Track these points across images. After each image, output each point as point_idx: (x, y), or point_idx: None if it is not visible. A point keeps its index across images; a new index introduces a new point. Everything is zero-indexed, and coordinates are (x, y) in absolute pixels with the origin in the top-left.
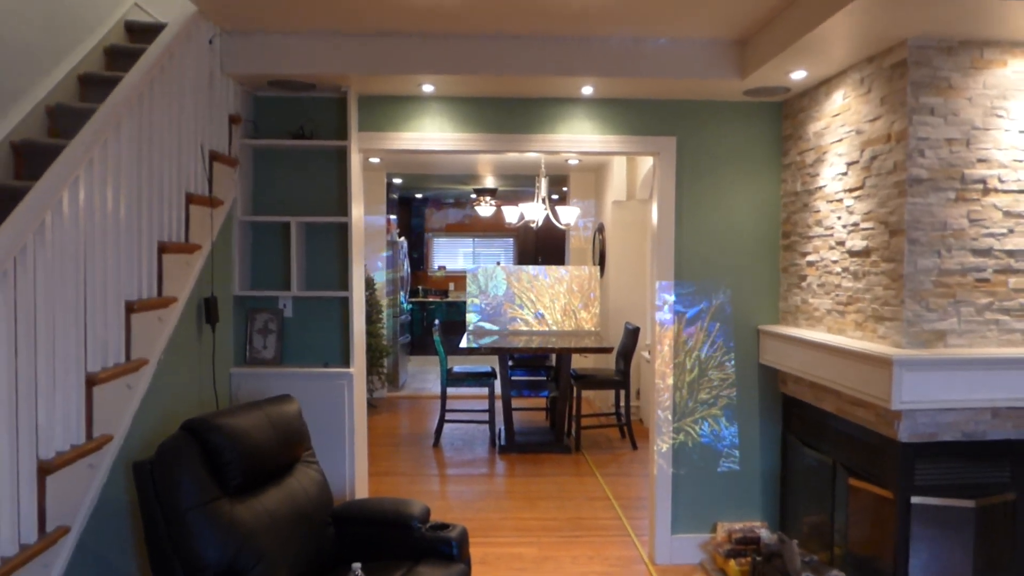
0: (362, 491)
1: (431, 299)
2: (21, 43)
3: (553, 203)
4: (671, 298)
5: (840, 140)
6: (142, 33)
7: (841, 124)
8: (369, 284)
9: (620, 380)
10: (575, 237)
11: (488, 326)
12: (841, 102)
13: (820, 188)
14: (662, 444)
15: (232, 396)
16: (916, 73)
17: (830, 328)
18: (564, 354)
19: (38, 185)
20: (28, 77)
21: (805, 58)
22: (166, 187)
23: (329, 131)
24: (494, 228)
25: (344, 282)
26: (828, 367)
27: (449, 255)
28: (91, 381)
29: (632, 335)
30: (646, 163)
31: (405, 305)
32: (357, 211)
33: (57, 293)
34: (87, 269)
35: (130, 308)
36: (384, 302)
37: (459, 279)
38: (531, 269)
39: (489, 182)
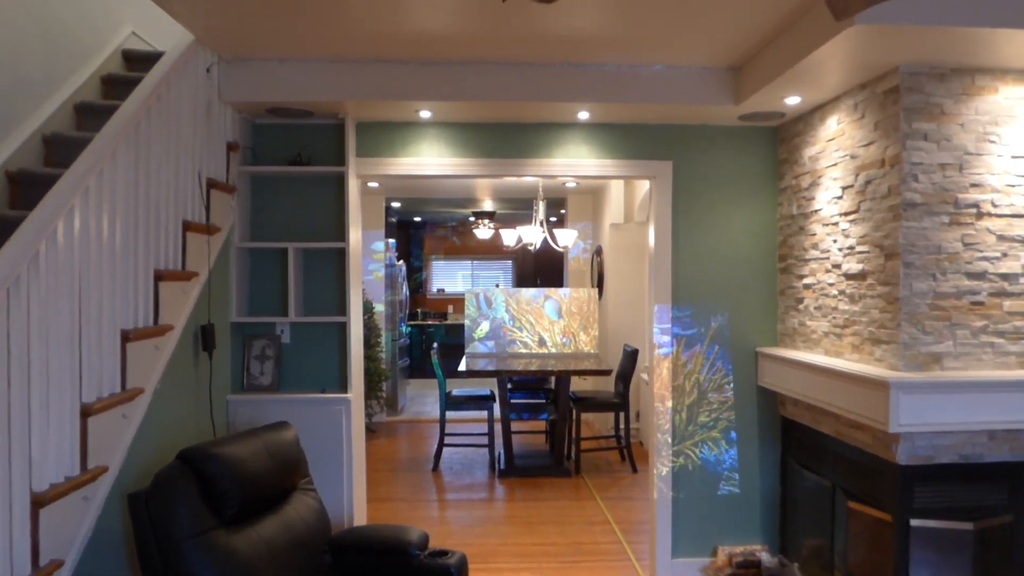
0: (360, 518)
1: (430, 322)
2: (18, 71)
3: (551, 225)
4: (669, 321)
5: (835, 164)
6: (139, 62)
7: (836, 148)
8: (367, 308)
9: (619, 402)
10: (573, 259)
11: (487, 348)
12: (835, 127)
13: (816, 211)
14: (662, 467)
15: (229, 424)
16: (909, 99)
17: (827, 351)
18: (563, 377)
19: (32, 215)
20: (25, 105)
21: (799, 85)
22: (163, 215)
23: (327, 157)
24: (492, 251)
25: (342, 307)
26: (826, 390)
27: (448, 278)
28: (86, 412)
29: (631, 357)
30: (643, 186)
31: (404, 328)
32: (355, 236)
33: (52, 323)
34: (82, 298)
35: (126, 337)
36: (383, 326)
37: (458, 301)
38: (531, 292)
39: (487, 205)
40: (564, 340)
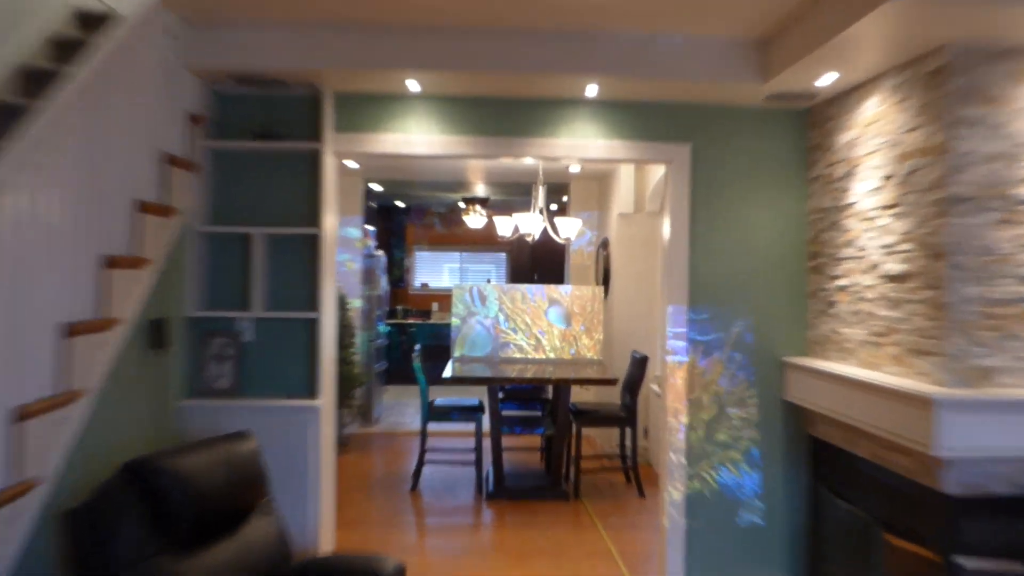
0: (328, 543)
1: (411, 320)
2: None
3: (552, 214)
4: (684, 325)
5: (873, 152)
6: (93, 22)
7: (874, 135)
8: (342, 304)
9: (626, 417)
10: (576, 252)
11: (476, 352)
12: (874, 110)
13: (851, 205)
14: (674, 492)
15: (182, 432)
16: (956, 81)
17: (864, 362)
18: (562, 386)
19: None
20: None
21: (834, 62)
22: (114, 194)
23: (301, 132)
24: (485, 241)
25: (313, 302)
26: (862, 406)
27: (433, 271)
28: (17, 416)
29: (640, 365)
30: (656, 172)
31: (382, 327)
32: (330, 221)
33: None
34: (15, 287)
35: (67, 331)
36: (358, 324)
37: (444, 298)
38: (528, 289)
39: (480, 190)
40: (565, 346)
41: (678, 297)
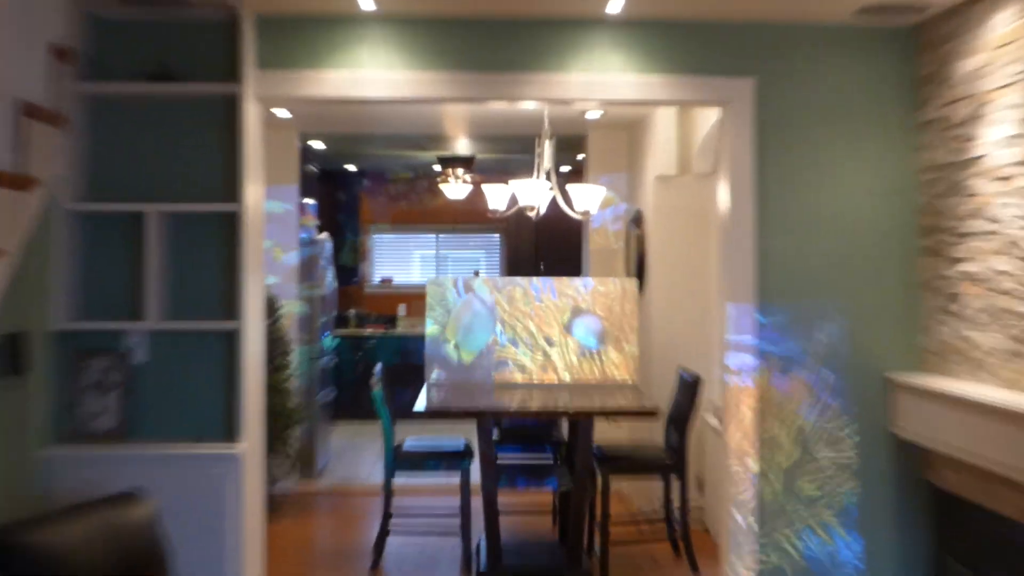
0: None
1: (370, 330)
2: None
3: (563, 180)
4: (752, 331)
5: (1009, 85)
6: None
7: (1010, 61)
8: (271, 308)
9: (672, 463)
10: (597, 232)
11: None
12: (1009, 26)
13: (979, 159)
14: (742, 568)
15: (47, 492)
16: None
17: (1005, 380)
18: (583, 421)
19: None
20: None
21: None
22: None
23: (211, 71)
24: (470, 219)
25: (231, 307)
26: (1006, 445)
27: (399, 261)
28: None
29: (690, 390)
30: (708, 119)
31: (328, 341)
32: (254, 194)
33: None
34: None
35: None
36: (294, 336)
37: (415, 298)
38: (533, 284)
39: (462, 147)
40: (586, 363)
41: (742, 292)
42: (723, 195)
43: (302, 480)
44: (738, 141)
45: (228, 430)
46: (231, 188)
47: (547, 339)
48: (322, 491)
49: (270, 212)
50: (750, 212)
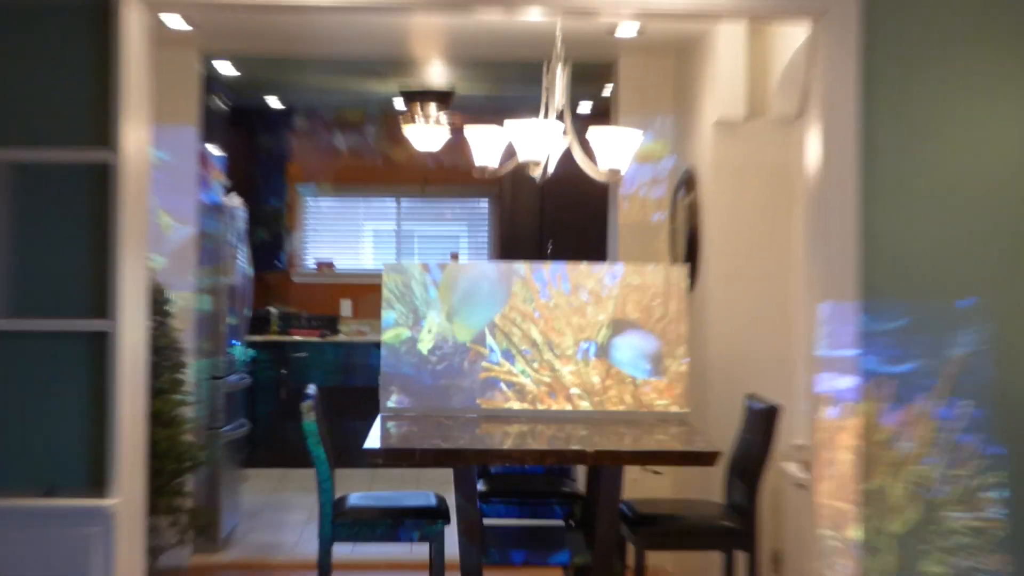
0: None
1: (299, 336)
2: None
3: (582, 123)
4: (853, 341)
5: None
6: None
7: None
8: (159, 303)
9: (735, 530)
10: (630, 200)
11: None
12: None
13: None
14: None
15: None
16: None
17: None
18: (607, 467)
19: None
20: None
21: None
22: None
23: None
24: (447, 178)
25: (100, 300)
26: None
27: (342, 238)
28: None
29: (762, 426)
30: (790, 40)
31: (239, 351)
32: (135, 138)
33: None
34: None
35: None
36: (189, 344)
37: (364, 291)
38: (537, 272)
39: (436, 77)
40: (614, 386)
41: (839, 287)
42: (813, 149)
43: (199, 551)
44: (836, 72)
45: (94, 478)
46: (101, 128)
47: (554, 349)
48: (229, 566)
49: (165, 166)
50: (852, 174)
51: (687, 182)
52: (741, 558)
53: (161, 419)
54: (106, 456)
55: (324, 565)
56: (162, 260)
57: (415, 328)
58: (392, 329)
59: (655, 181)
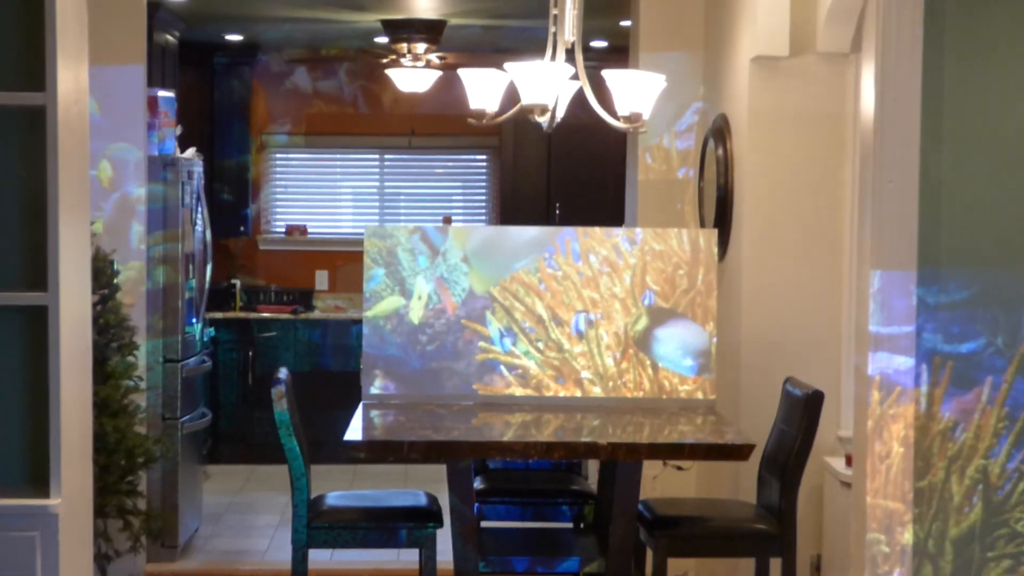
0: None
1: (268, 313)
2: None
3: (595, 61)
4: (910, 316)
5: None
6: None
7: None
8: (102, 274)
9: (770, 533)
10: (651, 151)
11: (420, 385)
12: None
13: None
14: None
15: None
16: None
17: None
18: (623, 462)
19: None
20: None
21: None
22: None
23: None
24: (437, 128)
25: (34, 269)
26: None
27: (317, 198)
28: None
29: (803, 414)
30: None
31: (196, 330)
32: (72, 79)
33: None
34: None
35: None
36: (141, 323)
37: (342, 259)
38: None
39: (424, 6)
40: (631, 368)
41: (896, 253)
42: (868, 90)
43: (155, 558)
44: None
45: (32, 475)
46: (33, 67)
47: (570, 326)
48: (189, 575)
49: (107, 113)
50: (914, 119)
51: (719, 131)
52: (776, 565)
53: (109, 408)
54: (46, 450)
55: (299, 574)
56: (100, 221)
57: (406, 304)
58: (378, 304)
59: (682, 131)
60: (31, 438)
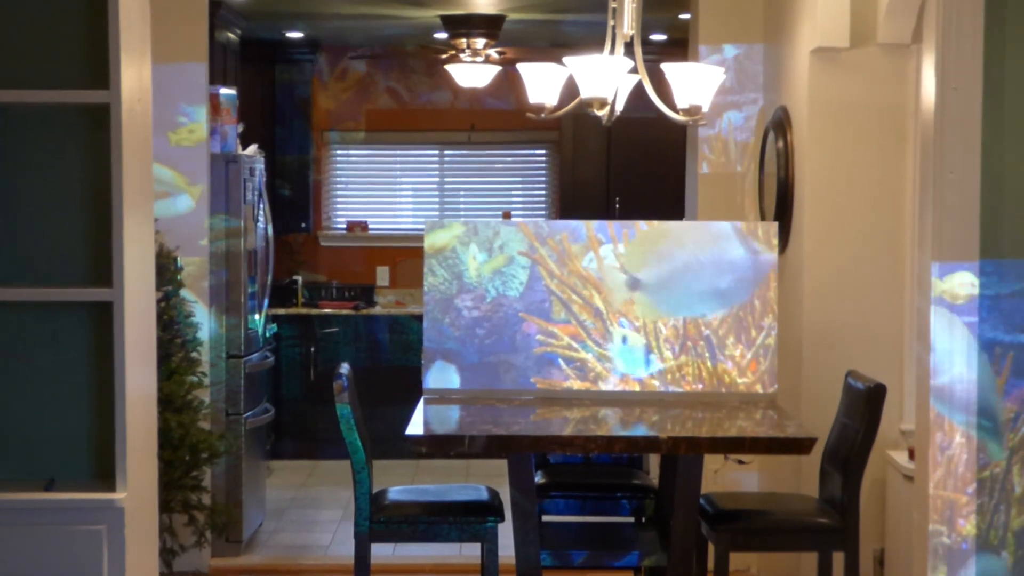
0: None
1: (329, 308)
2: None
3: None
4: (973, 307)
5: None
6: None
7: None
8: (166, 270)
9: (832, 527)
10: (711, 144)
11: (481, 377)
12: None
13: None
14: None
15: None
16: None
17: None
18: (684, 456)
19: None
20: None
21: None
22: None
23: None
24: (497, 123)
25: (99, 265)
26: None
27: (377, 193)
28: None
29: (866, 408)
30: None
31: (259, 325)
32: (136, 76)
33: None
34: None
35: None
36: (204, 319)
37: (403, 255)
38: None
39: (482, 2)
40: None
41: (956, 244)
42: (929, 81)
43: (219, 553)
44: None
45: (98, 469)
46: (97, 65)
47: (624, 322)
48: (253, 570)
49: (174, 112)
50: (975, 110)
51: (779, 123)
52: (839, 560)
53: (173, 404)
54: (112, 444)
55: (361, 568)
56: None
57: (462, 298)
58: (437, 295)
59: (742, 124)
60: (97, 433)
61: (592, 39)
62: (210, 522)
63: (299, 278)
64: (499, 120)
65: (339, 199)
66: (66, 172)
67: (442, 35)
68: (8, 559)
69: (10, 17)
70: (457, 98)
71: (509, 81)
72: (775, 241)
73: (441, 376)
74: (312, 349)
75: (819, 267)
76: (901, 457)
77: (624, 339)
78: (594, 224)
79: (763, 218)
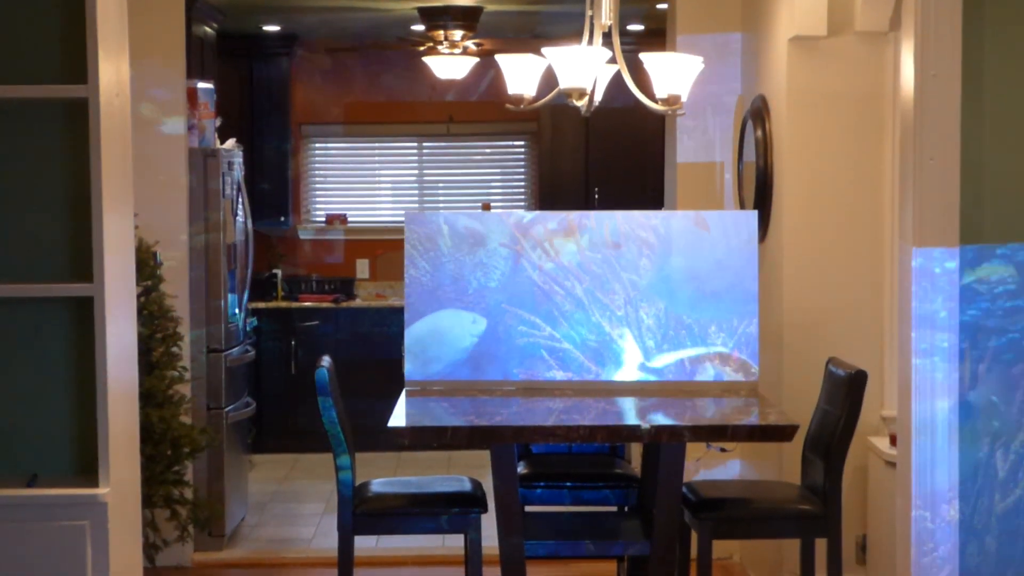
0: None
1: (309, 302)
2: None
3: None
4: (953, 293)
5: None
6: None
7: None
8: (145, 265)
9: (814, 514)
10: (690, 134)
11: (464, 368)
12: None
13: None
14: None
15: None
16: None
17: None
18: (667, 444)
19: None
20: None
21: None
22: None
23: None
24: (475, 115)
25: (79, 261)
26: None
27: (356, 186)
28: None
29: (847, 395)
30: None
31: (239, 319)
32: (114, 71)
33: None
34: None
35: None
36: (185, 313)
37: (383, 248)
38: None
39: None
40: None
41: (937, 228)
42: (907, 69)
43: (202, 547)
44: None
45: (81, 465)
46: (74, 60)
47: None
48: (236, 564)
49: (151, 105)
50: (954, 96)
51: (757, 112)
52: (821, 546)
53: (155, 398)
54: (94, 440)
55: (345, 560)
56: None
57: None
58: (417, 286)
59: (719, 111)
60: (79, 428)
61: (570, 30)
62: (192, 517)
63: (279, 272)
64: (477, 112)
65: (318, 192)
66: (45, 167)
67: (419, 27)
68: None
69: None
70: (435, 90)
71: (487, 72)
72: (755, 230)
73: (423, 368)
74: (292, 343)
75: (799, 255)
76: (882, 443)
77: (606, 329)
78: (574, 215)
79: (742, 207)
